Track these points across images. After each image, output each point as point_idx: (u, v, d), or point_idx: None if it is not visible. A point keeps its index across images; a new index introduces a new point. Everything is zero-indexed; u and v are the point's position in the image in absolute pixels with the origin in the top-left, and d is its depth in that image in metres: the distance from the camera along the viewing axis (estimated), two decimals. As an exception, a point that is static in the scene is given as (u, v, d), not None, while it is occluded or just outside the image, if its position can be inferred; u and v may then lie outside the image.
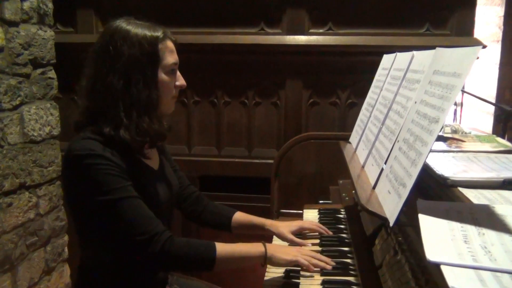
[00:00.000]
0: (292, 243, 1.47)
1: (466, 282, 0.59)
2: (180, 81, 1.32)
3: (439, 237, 0.74)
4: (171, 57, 1.27)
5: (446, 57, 0.98)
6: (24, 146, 2.02)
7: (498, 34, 5.91)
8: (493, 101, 3.68)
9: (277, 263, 1.29)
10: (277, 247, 1.34)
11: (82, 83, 1.27)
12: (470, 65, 0.81)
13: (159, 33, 1.25)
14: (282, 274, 1.33)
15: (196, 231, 2.53)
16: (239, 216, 1.55)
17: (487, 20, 5.24)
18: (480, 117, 5.55)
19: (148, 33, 1.23)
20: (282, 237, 1.49)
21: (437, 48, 1.04)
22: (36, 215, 2.11)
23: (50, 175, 2.20)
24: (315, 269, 1.27)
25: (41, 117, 2.13)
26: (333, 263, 1.30)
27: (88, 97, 1.25)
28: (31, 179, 2.07)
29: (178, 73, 1.32)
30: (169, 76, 1.28)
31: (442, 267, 0.63)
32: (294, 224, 1.53)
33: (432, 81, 1.00)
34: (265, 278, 1.33)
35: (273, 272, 1.35)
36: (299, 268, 1.31)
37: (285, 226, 1.51)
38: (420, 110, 1.00)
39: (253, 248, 1.28)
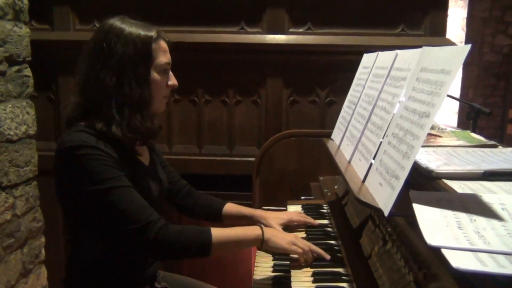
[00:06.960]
0: None
1: (467, 262, 0.63)
2: (172, 80, 1.36)
3: (434, 224, 0.78)
4: (164, 57, 1.31)
5: (433, 55, 1.03)
6: (0, 146, 1.96)
7: (462, 35, 6.15)
8: (459, 100, 3.84)
9: (273, 247, 1.30)
10: (274, 231, 1.36)
11: (75, 79, 1.28)
12: (460, 63, 0.86)
13: (153, 33, 1.28)
14: (271, 268, 1.36)
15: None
16: (229, 207, 1.58)
17: (451, 21, 5.47)
18: (444, 115, 5.75)
19: (142, 32, 1.26)
20: None
21: (424, 47, 1.09)
22: (13, 216, 2.05)
23: (27, 175, 2.14)
24: (303, 263, 1.29)
25: (17, 116, 2.07)
26: (329, 256, 1.31)
27: (80, 93, 1.27)
28: (8, 179, 2.01)
29: (171, 72, 1.36)
30: (161, 76, 1.31)
31: (443, 250, 0.67)
32: (283, 217, 1.55)
33: (419, 78, 1.05)
34: (255, 267, 1.35)
35: (262, 264, 1.38)
36: (288, 262, 1.34)
37: (274, 218, 1.53)
38: (408, 106, 1.05)
39: (250, 231, 1.31)
